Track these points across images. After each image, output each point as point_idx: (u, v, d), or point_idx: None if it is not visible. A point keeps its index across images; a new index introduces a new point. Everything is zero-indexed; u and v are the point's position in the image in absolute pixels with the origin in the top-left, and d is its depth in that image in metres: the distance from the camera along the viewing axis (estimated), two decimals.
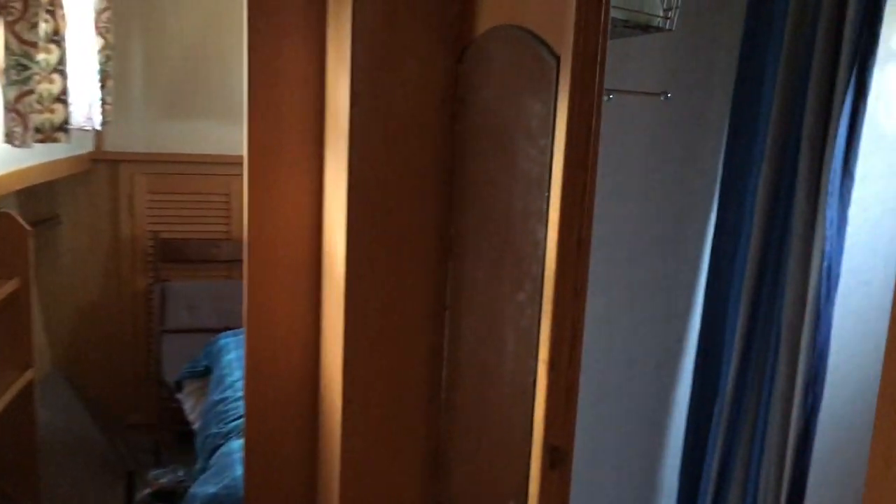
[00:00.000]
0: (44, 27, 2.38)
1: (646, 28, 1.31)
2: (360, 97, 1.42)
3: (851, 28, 1.59)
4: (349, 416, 1.51)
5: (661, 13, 1.31)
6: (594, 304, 1.30)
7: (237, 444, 2.23)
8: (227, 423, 2.40)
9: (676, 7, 1.33)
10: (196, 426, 2.70)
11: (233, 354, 2.84)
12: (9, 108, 2.25)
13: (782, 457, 1.74)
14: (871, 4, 1.57)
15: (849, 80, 1.61)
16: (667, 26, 1.34)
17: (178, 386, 3.06)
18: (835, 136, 1.63)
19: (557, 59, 1.07)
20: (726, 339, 1.81)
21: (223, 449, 2.27)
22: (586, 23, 1.01)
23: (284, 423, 1.73)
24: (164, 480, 2.60)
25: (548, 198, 1.10)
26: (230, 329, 3.10)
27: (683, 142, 1.89)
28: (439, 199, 1.50)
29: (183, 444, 3.03)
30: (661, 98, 1.60)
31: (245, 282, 1.70)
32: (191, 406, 2.88)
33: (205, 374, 2.99)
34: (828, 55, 1.64)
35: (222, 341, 3.02)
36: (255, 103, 1.63)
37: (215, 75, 3.62)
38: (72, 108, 2.68)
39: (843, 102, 1.62)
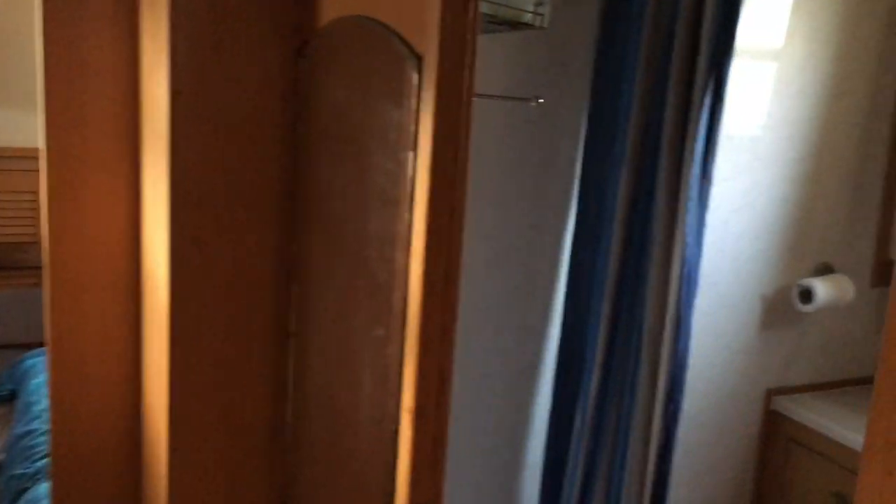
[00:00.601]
0: None
1: (515, 24, 1.19)
2: (182, 93, 1.20)
3: (709, 28, 1.54)
4: (176, 465, 1.30)
5: (531, 8, 1.18)
6: None
7: (45, 488, 1.93)
8: (33, 462, 2.08)
9: (547, 2, 1.21)
10: None
11: (42, 378, 2.49)
12: None
13: (644, 465, 1.69)
14: (728, 4, 1.52)
15: (707, 81, 1.56)
16: (537, 23, 1.22)
17: None
18: (694, 139, 1.58)
19: (419, 58, 0.91)
20: (587, 349, 1.73)
21: (29, 494, 1.96)
22: (454, 17, 0.86)
23: (99, 473, 1.48)
24: None
25: (409, 221, 0.95)
26: (42, 346, 2.74)
27: (540, 145, 1.79)
28: (280, 212, 1.31)
29: None
30: (533, 104, 1.48)
31: (45, 306, 1.43)
32: None
33: (9, 399, 2.62)
34: (686, 55, 1.58)
35: (29, 361, 2.65)
36: (52, 96, 1.36)
37: (13, 57, 3.19)
38: None
39: (701, 104, 1.57)
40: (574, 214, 1.79)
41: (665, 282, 1.64)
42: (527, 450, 1.92)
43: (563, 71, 1.77)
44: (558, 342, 1.81)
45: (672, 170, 1.61)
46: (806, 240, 2.18)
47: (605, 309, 1.69)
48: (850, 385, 2.34)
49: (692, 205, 1.61)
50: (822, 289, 2.11)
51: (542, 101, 1.52)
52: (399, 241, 0.98)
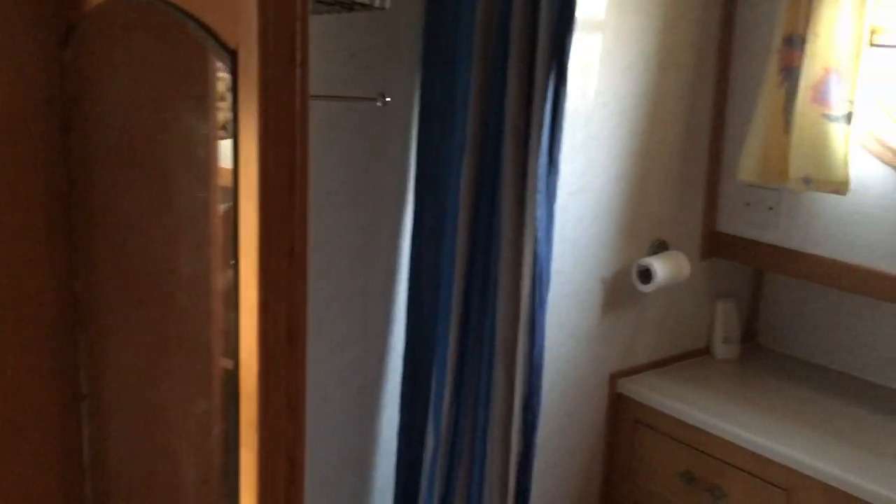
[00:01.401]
0: None
1: (350, 6, 0.97)
2: None
3: (549, 4, 1.40)
4: None
5: None
6: None
7: None
8: None
9: None
10: None
11: None
12: None
13: (505, 479, 1.56)
14: None
15: (549, 61, 1.42)
16: (377, 3, 1.01)
17: None
18: (540, 126, 1.44)
19: (232, 54, 0.68)
20: (436, 361, 1.57)
21: None
22: (278, 1, 0.63)
23: None
24: None
25: (235, 267, 0.72)
26: None
27: (371, 138, 1.59)
28: (53, 242, 1.02)
29: None
30: (378, 104, 1.27)
31: None
32: None
33: None
34: (525, 31, 1.43)
35: None
36: None
37: None
38: None
39: (545, 86, 1.43)
40: (411, 211, 1.61)
41: (517, 283, 1.50)
42: (375, 475, 1.74)
43: (399, 56, 1.57)
44: (403, 354, 1.63)
45: (517, 160, 1.47)
46: (641, 218, 2.13)
47: (454, 316, 1.53)
48: (687, 359, 2.35)
49: (541, 197, 1.47)
50: (660, 267, 2.07)
51: (388, 99, 1.31)
52: (220, 289, 0.75)
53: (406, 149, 1.63)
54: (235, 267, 0.72)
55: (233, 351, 0.75)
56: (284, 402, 0.72)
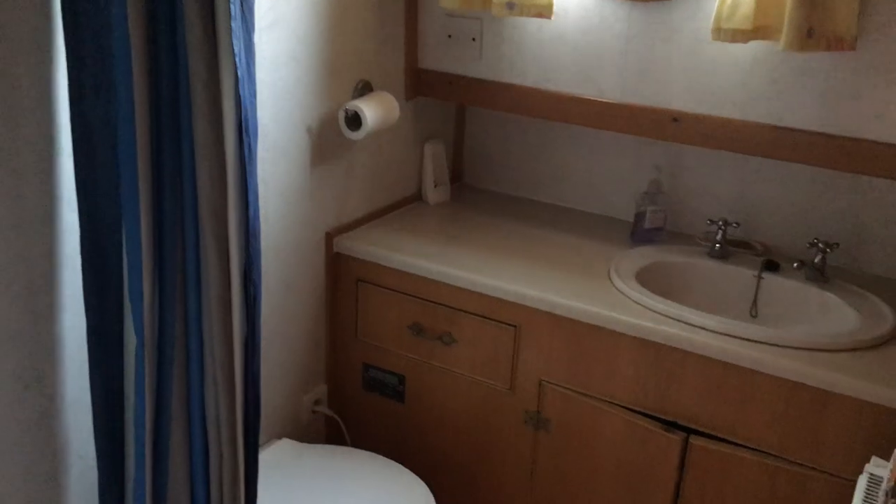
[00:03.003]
0: None
1: None
2: None
3: None
4: None
5: None
6: None
7: None
8: None
9: None
10: None
11: None
12: None
13: (230, 371, 1.34)
14: None
15: None
16: None
17: None
18: None
19: None
20: (126, 240, 1.25)
21: None
22: None
23: None
24: None
25: None
26: None
27: None
28: None
29: None
30: None
31: None
32: None
33: None
34: None
35: None
36: None
37: None
38: None
39: None
40: (65, 61, 1.22)
41: (218, 134, 1.22)
42: (63, 391, 1.41)
43: None
44: (79, 239, 1.28)
45: None
46: (343, 56, 1.91)
47: (141, 185, 1.22)
48: (400, 207, 2.23)
49: (237, 25, 1.18)
50: (369, 110, 1.88)
51: None
52: None
53: None
54: None
55: None
56: None
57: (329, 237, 2.00)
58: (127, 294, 1.27)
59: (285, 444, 1.88)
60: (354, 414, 2.13)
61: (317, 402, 2.10)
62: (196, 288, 1.29)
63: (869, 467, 1.26)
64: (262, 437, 1.87)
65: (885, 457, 1.33)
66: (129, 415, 1.33)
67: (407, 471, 1.80)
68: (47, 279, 1.33)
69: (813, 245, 1.83)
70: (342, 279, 2.04)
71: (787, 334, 1.59)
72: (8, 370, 1.30)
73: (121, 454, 1.37)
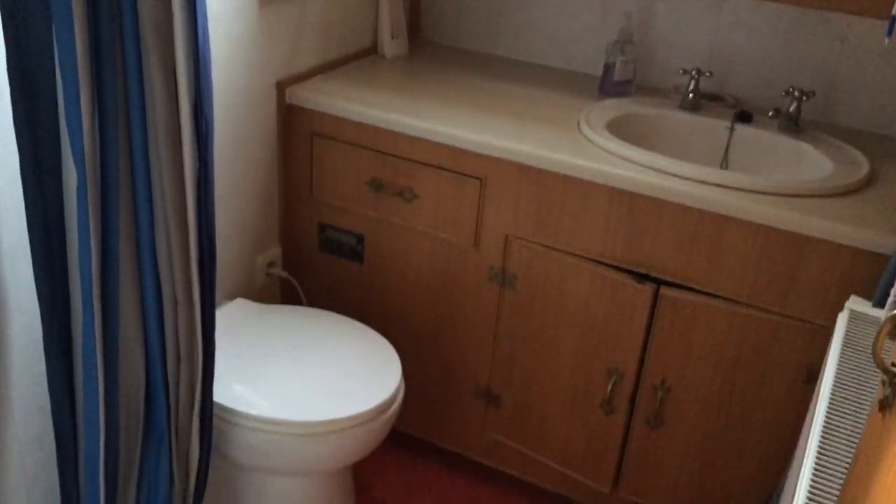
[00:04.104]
0: None
1: None
2: None
3: None
4: None
5: None
6: None
7: None
8: None
9: None
10: None
11: None
12: None
13: (181, 210, 1.23)
14: None
15: None
16: None
17: None
18: None
19: None
20: (60, 61, 1.11)
21: None
22: None
23: None
24: None
25: None
26: None
27: None
28: None
29: None
30: None
31: None
32: None
33: None
34: None
35: None
36: None
37: None
38: None
39: None
40: None
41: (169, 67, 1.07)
42: None
43: None
44: (6, 61, 1.13)
45: None
46: None
47: (75, 1, 1.07)
48: (355, 59, 2.09)
49: None
50: None
51: None
52: None
53: None
54: None
55: None
56: None
57: (280, 87, 1.86)
58: (64, 126, 1.14)
59: (241, 303, 1.80)
60: (310, 276, 2.05)
61: (271, 265, 2.02)
62: (141, 119, 1.17)
63: (849, 304, 1.24)
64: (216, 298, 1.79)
65: (865, 297, 1.32)
66: (74, 259, 1.22)
67: (370, 329, 1.74)
68: None
69: (788, 94, 1.77)
70: (295, 133, 1.92)
71: (762, 180, 1.55)
72: None
73: (66, 305, 1.27)
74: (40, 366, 1.38)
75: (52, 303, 1.25)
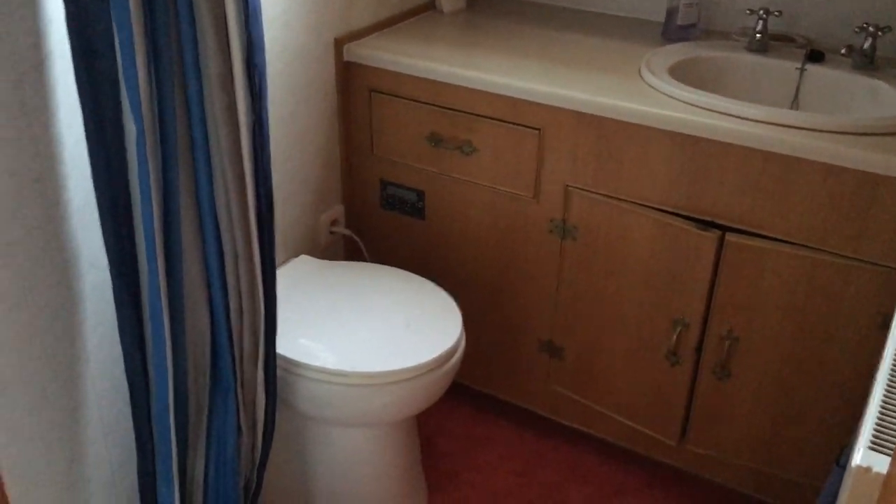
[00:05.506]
0: None
1: None
2: None
3: None
4: None
5: None
6: None
7: None
8: None
9: None
10: None
11: None
12: None
13: (239, 169, 1.26)
14: None
15: None
16: None
17: None
18: None
19: None
20: (118, 25, 1.13)
21: None
22: None
23: None
24: None
25: None
26: None
27: None
28: None
29: None
30: None
31: None
32: None
33: None
34: None
35: None
36: None
37: None
38: None
39: None
40: None
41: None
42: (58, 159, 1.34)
43: None
44: (69, 36, 1.16)
45: None
46: None
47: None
48: (413, 16, 2.08)
49: None
50: None
51: None
52: None
53: None
54: None
55: None
56: None
57: (338, 44, 1.87)
58: (122, 79, 1.17)
59: (305, 259, 1.83)
60: (373, 233, 2.07)
61: (334, 223, 2.04)
62: (195, 70, 1.19)
63: None
64: (279, 256, 1.83)
65: None
66: (137, 213, 1.26)
67: (432, 284, 1.75)
68: (38, 75, 1.23)
69: (862, 30, 1.68)
70: (354, 90, 1.92)
71: (834, 118, 1.48)
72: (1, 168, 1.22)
73: (133, 258, 1.31)
74: (113, 319, 1.43)
75: (121, 256, 1.29)
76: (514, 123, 1.73)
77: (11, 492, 1.34)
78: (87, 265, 1.40)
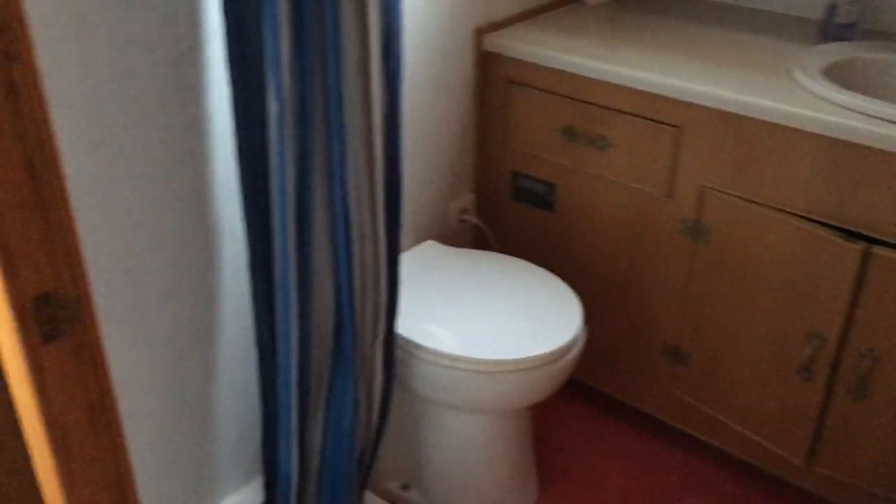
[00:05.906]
0: None
1: None
2: None
3: None
4: None
5: None
6: None
7: None
8: None
9: None
10: None
11: None
12: None
13: (370, 152, 1.29)
14: None
15: None
16: None
17: None
18: None
19: None
20: (266, 9, 1.19)
21: None
22: None
23: None
24: None
25: None
26: None
27: None
28: None
29: None
30: None
31: None
32: None
33: None
34: None
35: None
36: None
37: None
38: None
39: None
40: None
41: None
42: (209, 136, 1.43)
43: None
44: (223, 18, 1.24)
45: None
46: None
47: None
48: (556, 8, 2.07)
49: None
50: None
51: None
52: None
53: None
54: None
55: None
56: None
57: (478, 34, 1.88)
58: (268, 60, 1.23)
59: (432, 244, 1.86)
60: (501, 224, 2.07)
61: (463, 211, 2.06)
62: (335, 53, 1.23)
63: None
64: (407, 240, 1.87)
65: None
66: (274, 188, 1.32)
67: (556, 277, 1.74)
68: (195, 54, 1.32)
69: None
70: (492, 80, 1.93)
71: None
72: (156, 140, 1.31)
73: (269, 232, 1.38)
74: (247, 291, 1.52)
75: (258, 229, 1.36)
76: (651, 120, 1.69)
77: (145, 438, 1.45)
78: (228, 235, 1.48)
